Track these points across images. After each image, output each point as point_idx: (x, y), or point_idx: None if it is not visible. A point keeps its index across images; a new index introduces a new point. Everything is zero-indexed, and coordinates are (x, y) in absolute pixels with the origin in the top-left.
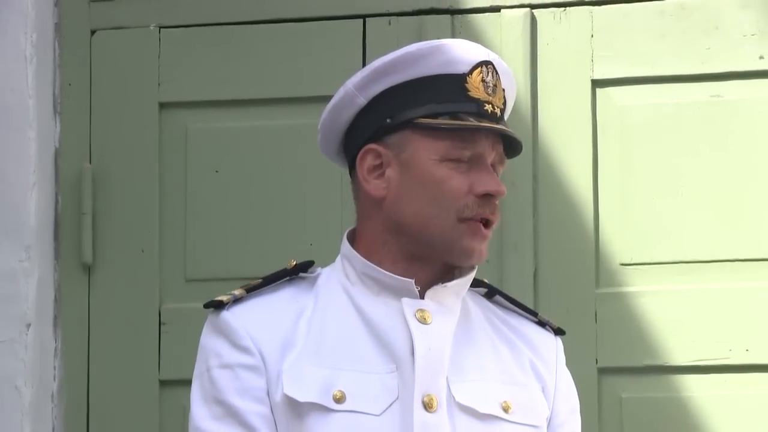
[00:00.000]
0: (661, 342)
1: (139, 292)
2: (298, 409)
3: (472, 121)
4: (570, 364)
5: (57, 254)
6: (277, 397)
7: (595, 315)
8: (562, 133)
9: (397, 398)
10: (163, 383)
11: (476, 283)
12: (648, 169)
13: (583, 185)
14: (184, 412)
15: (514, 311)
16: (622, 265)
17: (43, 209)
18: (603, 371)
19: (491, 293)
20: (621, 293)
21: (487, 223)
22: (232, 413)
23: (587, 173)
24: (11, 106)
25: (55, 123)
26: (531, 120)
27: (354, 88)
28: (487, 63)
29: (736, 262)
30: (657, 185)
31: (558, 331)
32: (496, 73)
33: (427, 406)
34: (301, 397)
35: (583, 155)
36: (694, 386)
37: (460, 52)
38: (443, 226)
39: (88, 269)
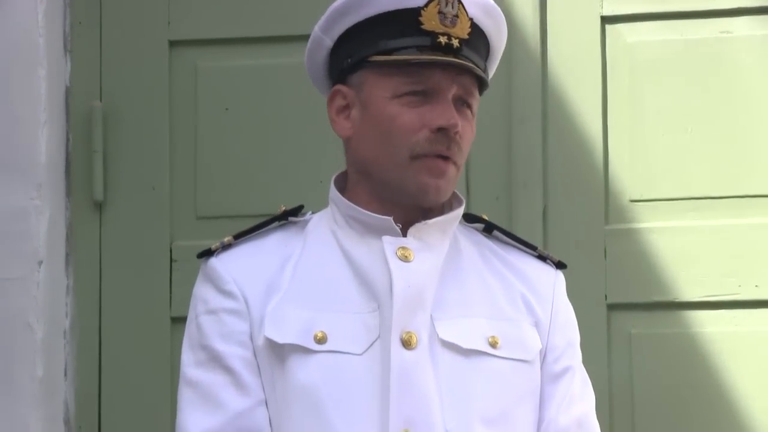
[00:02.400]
0: (670, 278)
1: (151, 230)
2: (279, 351)
3: (421, 56)
4: (579, 300)
5: (68, 192)
6: (260, 341)
7: (605, 251)
8: (572, 70)
9: (379, 337)
10: (175, 320)
11: (473, 219)
12: (657, 106)
13: (593, 122)
14: None
15: (513, 246)
16: (632, 201)
17: (54, 147)
18: (612, 307)
19: (489, 229)
20: (630, 229)
21: (445, 159)
22: (214, 357)
23: (596, 110)
24: (22, 44)
25: (66, 61)
26: (540, 57)
27: (319, 31)
28: None
29: (745, 198)
30: (666, 122)
31: (559, 265)
32: (460, 3)
33: (406, 344)
34: (281, 339)
35: (593, 92)
36: (703, 322)
37: None
38: (396, 163)
39: (99, 207)
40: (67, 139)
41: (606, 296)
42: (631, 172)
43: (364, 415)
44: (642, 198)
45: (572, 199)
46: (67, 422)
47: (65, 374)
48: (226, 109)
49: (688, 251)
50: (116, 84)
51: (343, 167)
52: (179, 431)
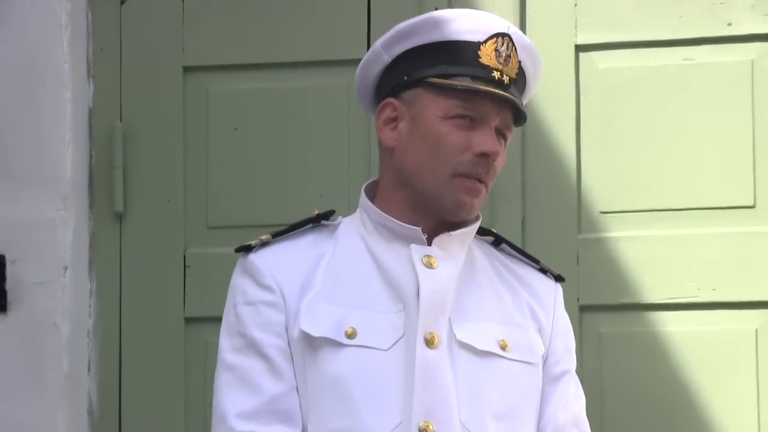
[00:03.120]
0: (637, 282)
1: (166, 238)
2: (312, 343)
3: (476, 85)
4: None
5: (91, 204)
6: (295, 333)
7: (577, 258)
8: (549, 93)
9: (403, 335)
10: (188, 320)
11: (484, 233)
12: (626, 126)
13: (567, 141)
14: (206, 346)
15: (518, 258)
16: (602, 213)
17: (79, 163)
18: (584, 309)
19: (498, 242)
20: (600, 238)
21: (481, 181)
22: (252, 344)
23: (571, 130)
24: (48, 70)
25: (89, 85)
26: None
27: (381, 47)
28: (503, 35)
29: (704, 210)
30: (634, 141)
31: (558, 278)
32: (513, 45)
33: (429, 343)
34: (316, 332)
35: (568, 114)
36: (665, 322)
37: (477, 22)
38: (438, 177)
39: (119, 218)
40: (90, 156)
41: (578, 299)
42: (601, 187)
43: (389, 405)
44: (611, 210)
45: (548, 211)
46: (90, 412)
47: (89, 369)
48: (235, 128)
49: (652, 258)
50: (135, 106)
51: (340, 181)
52: (217, 410)
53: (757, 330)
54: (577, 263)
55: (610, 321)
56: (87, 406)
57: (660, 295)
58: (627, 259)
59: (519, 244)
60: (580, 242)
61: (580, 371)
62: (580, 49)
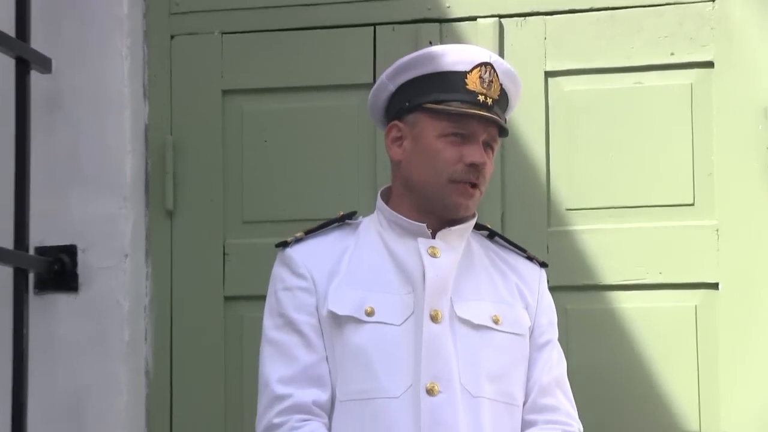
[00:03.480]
0: (596, 267)
1: (208, 231)
2: (338, 320)
3: (465, 108)
4: None
5: (147, 203)
6: (324, 312)
7: (547, 248)
8: (523, 111)
9: (413, 313)
10: (227, 298)
11: (481, 228)
12: (587, 138)
13: (539, 151)
14: (242, 320)
15: (508, 248)
16: (567, 210)
17: (137, 170)
18: (553, 289)
19: (492, 235)
20: (566, 231)
21: (473, 186)
22: (289, 323)
23: (541, 141)
24: (113, 93)
25: (145, 105)
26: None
27: (386, 78)
28: (486, 64)
29: (653, 207)
30: (593, 150)
31: (542, 264)
32: (495, 72)
33: (434, 319)
34: (341, 311)
35: (539, 128)
36: (620, 300)
37: (464, 55)
38: (437, 184)
39: (170, 214)
40: (146, 164)
41: (548, 281)
42: (566, 188)
43: (401, 370)
44: (575, 207)
45: (523, 208)
46: (147, 374)
47: (145, 338)
48: (265, 141)
49: (608, 247)
50: (182, 122)
51: (352, 186)
52: (262, 378)
53: (696, 306)
54: (547, 252)
55: (575, 299)
56: (144, 369)
57: (615, 277)
58: (588, 248)
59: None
60: (550, 234)
61: (576, 345)
62: (548, 74)
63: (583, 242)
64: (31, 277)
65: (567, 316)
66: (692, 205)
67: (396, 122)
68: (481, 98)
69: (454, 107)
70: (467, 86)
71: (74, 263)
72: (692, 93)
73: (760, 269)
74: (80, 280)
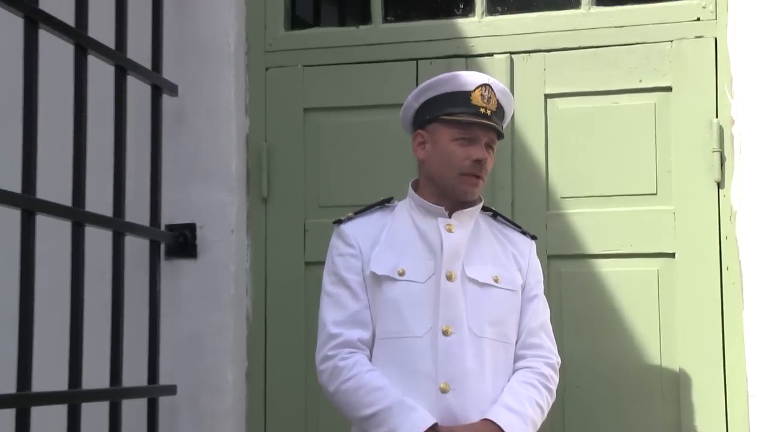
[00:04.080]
0: (583, 240)
1: (293, 212)
2: (378, 279)
3: (470, 118)
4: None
5: (248, 192)
6: (367, 272)
7: (546, 226)
8: (528, 123)
9: (433, 273)
10: (307, 263)
11: (488, 210)
12: (576, 144)
13: (539, 153)
14: (318, 280)
15: (507, 225)
16: (562, 198)
17: (240, 168)
18: (551, 257)
19: (495, 215)
20: (561, 213)
21: (477, 177)
22: (341, 280)
23: (542, 146)
24: (222, 110)
25: (246, 120)
26: (513, 117)
27: (412, 99)
28: (485, 85)
29: (626, 196)
30: (581, 153)
31: (533, 237)
32: (492, 90)
33: (449, 278)
34: (380, 272)
35: (540, 136)
36: (602, 265)
37: (468, 78)
38: (451, 177)
39: (264, 201)
40: (247, 163)
41: (547, 251)
42: (561, 181)
43: (424, 316)
44: (567, 196)
45: (528, 197)
46: (247, 319)
47: (246, 293)
48: (335, 146)
49: (592, 225)
50: (274, 132)
51: (398, 178)
52: (321, 321)
53: (658, 270)
54: (546, 229)
55: (567, 265)
56: (245, 316)
57: (597, 248)
58: (577, 226)
59: (510, 218)
60: (548, 216)
61: (549, 296)
62: (547, 96)
63: (573, 222)
64: (162, 247)
65: (561, 277)
66: (655, 194)
67: (420, 131)
68: (482, 110)
69: (462, 118)
70: (471, 102)
71: (194, 237)
72: (655, 110)
73: (705, 242)
74: (198, 249)
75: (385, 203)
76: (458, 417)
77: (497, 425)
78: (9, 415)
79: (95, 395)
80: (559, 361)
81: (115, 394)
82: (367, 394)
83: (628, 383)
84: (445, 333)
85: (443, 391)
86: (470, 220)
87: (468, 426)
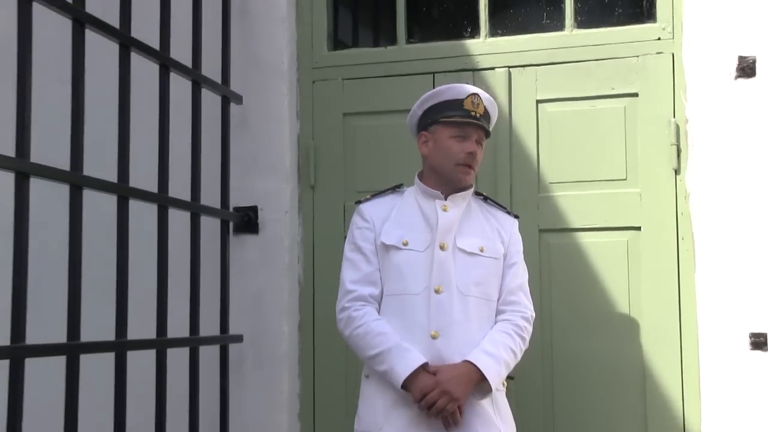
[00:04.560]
0: (567, 217)
1: (335, 197)
2: (386, 248)
3: (463, 119)
4: (527, 227)
5: (298, 181)
6: (378, 243)
7: (538, 206)
8: (523, 124)
9: (430, 244)
10: (346, 237)
11: (479, 194)
12: (561, 140)
13: (532, 147)
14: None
15: (495, 206)
16: (550, 183)
17: (292, 162)
18: (542, 231)
19: (485, 198)
20: (550, 196)
21: (469, 167)
22: (358, 248)
23: (534, 141)
24: (277, 116)
25: (297, 123)
26: (509, 119)
27: (416, 108)
28: (474, 94)
29: (601, 181)
30: (565, 147)
31: (515, 216)
32: (480, 98)
33: (442, 248)
34: (388, 242)
35: (532, 134)
36: (582, 236)
37: (460, 89)
38: (449, 167)
39: (312, 188)
40: (298, 158)
41: (538, 225)
42: (549, 170)
43: (421, 278)
44: (555, 181)
45: (523, 182)
46: (299, 283)
47: (298, 261)
48: (369, 143)
49: (574, 205)
50: (320, 133)
51: (414, 170)
52: (341, 279)
53: (627, 241)
54: (538, 208)
55: (554, 237)
56: (297, 280)
57: (578, 223)
58: (562, 206)
59: (509, 202)
60: (540, 198)
61: (540, 262)
62: (539, 102)
63: (559, 202)
64: (231, 225)
65: (550, 247)
66: (625, 179)
67: (423, 132)
68: (472, 113)
69: (457, 119)
70: (464, 107)
71: (256, 217)
72: (625, 112)
73: (665, 218)
74: (259, 227)
75: (396, 188)
76: (445, 358)
77: (475, 365)
78: (109, 357)
79: (179, 342)
80: (533, 315)
81: (194, 342)
82: (372, 339)
83: (601, 328)
84: (437, 291)
85: (433, 337)
86: (463, 201)
87: (452, 366)
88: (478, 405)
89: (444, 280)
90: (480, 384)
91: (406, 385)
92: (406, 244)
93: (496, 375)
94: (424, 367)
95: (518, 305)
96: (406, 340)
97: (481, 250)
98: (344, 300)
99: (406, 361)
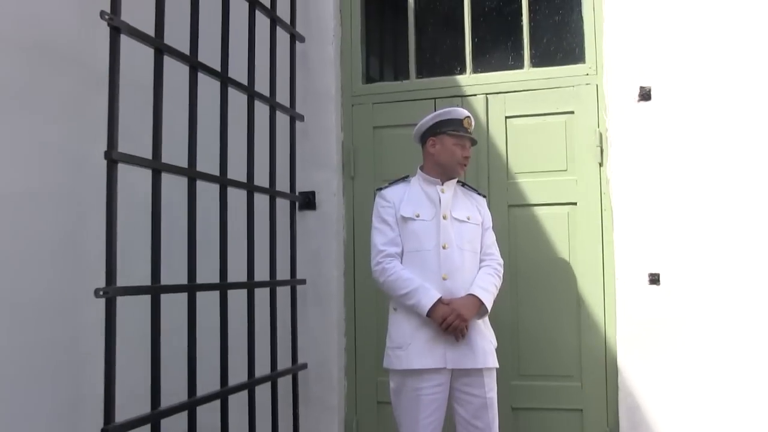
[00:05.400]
0: (527, 196)
1: (368, 184)
2: (404, 219)
3: (463, 134)
4: (498, 205)
5: (343, 173)
6: (398, 216)
7: (507, 189)
8: (496, 133)
9: (435, 215)
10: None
11: (459, 182)
12: (524, 143)
13: (502, 148)
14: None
15: (470, 189)
16: (516, 173)
17: (338, 160)
18: (510, 206)
19: (463, 184)
20: (515, 182)
21: (464, 165)
22: (384, 220)
23: (503, 144)
24: (328, 128)
25: (342, 134)
26: (487, 129)
27: (429, 119)
28: (469, 116)
29: (549, 171)
30: (526, 149)
31: (484, 195)
32: (470, 119)
33: (444, 218)
34: (405, 215)
35: (502, 139)
36: (536, 209)
37: (461, 112)
38: (452, 164)
39: (352, 178)
40: (342, 157)
41: (507, 202)
42: (514, 164)
43: (431, 238)
44: (518, 171)
45: (497, 173)
46: (345, 244)
47: (342, 228)
48: (390, 146)
49: (532, 188)
50: (357, 140)
51: (417, 165)
52: (373, 242)
53: (567, 212)
54: (507, 190)
55: (519, 210)
56: (343, 241)
57: (535, 200)
58: (524, 189)
59: (487, 186)
60: (508, 183)
61: (508, 229)
62: (507, 117)
63: (522, 186)
64: (297, 204)
65: (516, 218)
66: (566, 170)
67: (432, 137)
68: (468, 129)
69: (459, 133)
70: (463, 125)
71: (314, 198)
72: (566, 124)
73: (593, 196)
74: (316, 205)
75: (404, 179)
76: (453, 293)
77: (477, 297)
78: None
79: (262, 284)
80: (502, 262)
81: (273, 284)
82: (402, 282)
83: (551, 271)
84: (444, 247)
85: (444, 279)
86: (452, 186)
87: (461, 298)
88: (475, 323)
89: (448, 240)
90: (479, 309)
91: (430, 313)
92: (418, 216)
93: (489, 302)
94: (440, 300)
95: (494, 256)
96: (425, 282)
97: (468, 219)
98: (378, 257)
99: (429, 296)
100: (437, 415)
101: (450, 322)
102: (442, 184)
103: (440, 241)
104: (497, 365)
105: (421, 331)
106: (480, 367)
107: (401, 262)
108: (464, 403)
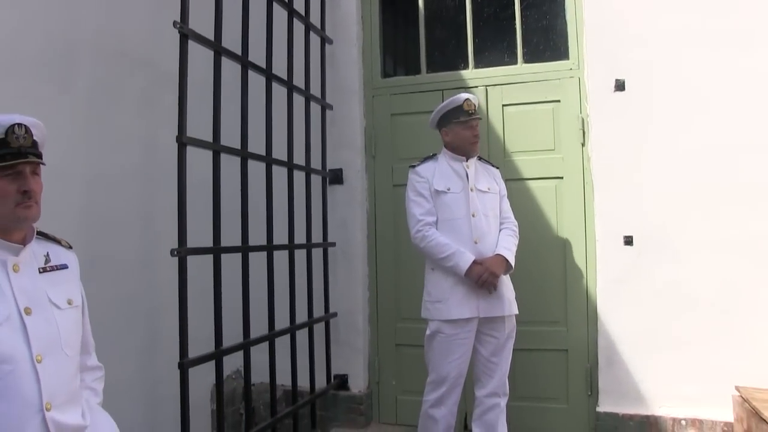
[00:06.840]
0: (521, 171)
1: (387, 162)
2: (438, 192)
3: (467, 118)
4: (507, 179)
5: (365, 153)
6: (432, 190)
7: (504, 165)
8: (495, 119)
9: (463, 188)
10: (394, 185)
11: (479, 158)
12: (518, 127)
13: (499, 131)
14: (398, 194)
15: (487, 163)
16: (512, 152)
17: (362, 142)
18: (507, 180)
19: (480, 159)
20: (511, 159)
21: (476, 143)
22: (419, 193)
23: (501, 128)
24: (353, 117)
25: (364, 120)
26: (487, 116)
27: (436, 113)
28: (467, 99)
29: (539, 151)
30: (519, 131)
31: (497, 167)
32: (471, 101)
33: (471, 190)
34: (438, 188)
35: (500, 124)
36: (529, 183)
37: (458, 98)
38: (464, 146)
39: (374, 158)
40: (365, 139)
41: (504, 177)
42: (510, 144)
43: (462, 208)
44: (514, 151)
45: (496, 152)
46: (367, 211)
47: (366, 198)
48: (404, 130)
49: (525, 165)
50: (378, 125)
51: (428, 148)
52: (411, 213)
53: (555, 185)
54: (504, 167)
55: (515, 184)
56: (366, 210)
57: (528, 175)
58: (519, 166)
59: (487, 161)
60: (505, 161)
61: (511, 201)
62: (504, 105)
63: (517, 163)
64: (327, 180)
65: (512, 191)
66: (553, 149)
67: (444, 129)
68: (470, 112)
69: (464, 119)
70: (464, 108)
71: (341, 174)
72: (553, 111)
73: (576, 171)
74: (344, 180)
75: (432, 156)
76: (483, 254)
77: (503, 256)
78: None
79: (300, 246)
80: (517, 223)
81: (309, 246)
82: (441, 247)
83: (542, 235)
84: (473, 216)
85: (475, 242)
86: (474, 162)
87: (491, 257)
88: (502, 277)
89: (475, 209)
90: (506, 266)
91: (467, 273)
92: (449, 189)
93: (513, 260)
94: (474, 262)
95: (510, 219)
96: (460, 246)
97: (489, 189)
98: (417, 225)
99: (465, 259)
100: (466, 356)
101: (485, 279)
102: (467, 161)
103: (470, 210)
104: (517, 312)
105: (457, 287)
106: (505, 315)
107: (437, 230)
108: (485, 343)
